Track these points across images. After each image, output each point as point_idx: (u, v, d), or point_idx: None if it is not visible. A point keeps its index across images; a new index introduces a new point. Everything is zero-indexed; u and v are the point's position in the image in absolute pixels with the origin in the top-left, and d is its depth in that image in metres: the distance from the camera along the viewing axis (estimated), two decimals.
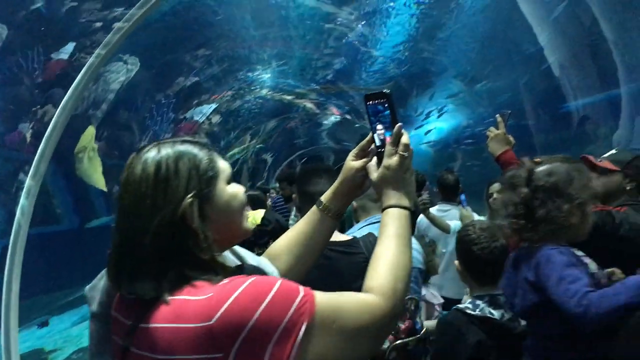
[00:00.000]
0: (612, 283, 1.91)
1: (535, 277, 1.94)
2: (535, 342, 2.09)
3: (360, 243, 2.23)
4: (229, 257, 1.43)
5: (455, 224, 4.80)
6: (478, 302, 2.35)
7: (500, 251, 2.34)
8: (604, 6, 6.72)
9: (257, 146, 17.09)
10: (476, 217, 4.80)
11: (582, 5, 6.87)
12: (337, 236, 2.23)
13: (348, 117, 15.64)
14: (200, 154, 1.25)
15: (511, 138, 3.02)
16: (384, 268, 1.28)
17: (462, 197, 5.42)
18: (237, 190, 1.31)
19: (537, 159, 2.15)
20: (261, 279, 1.14)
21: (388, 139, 1.41)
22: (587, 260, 1.98)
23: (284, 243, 1.58)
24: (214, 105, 11.86)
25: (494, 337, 2.24)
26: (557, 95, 8.04)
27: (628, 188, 2.99)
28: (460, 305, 2.41)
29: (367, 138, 1.48)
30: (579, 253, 1.99)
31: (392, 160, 1.39)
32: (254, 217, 5.43)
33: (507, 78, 8.98)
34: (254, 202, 7.03)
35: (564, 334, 1.93)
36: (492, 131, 3.02)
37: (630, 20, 6.55)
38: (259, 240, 3.60)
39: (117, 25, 2.74)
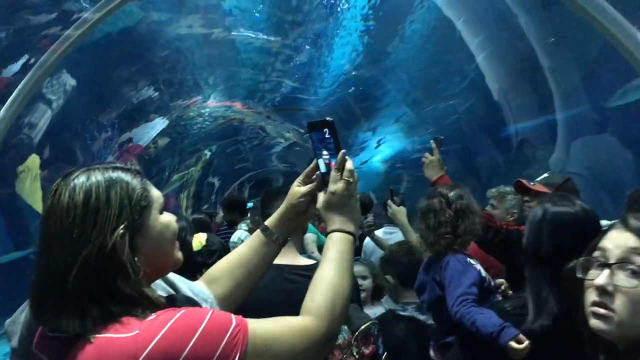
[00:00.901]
0: (500, 292, 2.70)
1: (440, 277, 2.62)
2: (437, 328, 2.77)
3: None
4: (159, 286, 1.38)
5: None
6: (407, 307, 3.09)
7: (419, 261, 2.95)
8: (539, 35, 7.02)
9: (204, 169, 16.84)
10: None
11: (517, 31, 7.15)
12: (300, 260, 2.37)
13: (297, 140, 15.67)
14: (134, 182, 1.20)
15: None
16: (322, 290, 1.29)
17: None
18: (169, 219, 1.26)
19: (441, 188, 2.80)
20: (191, 312, 1.09)
21: (333, 165, 1.43)
22: (478, 266, 2.64)
23: (224, 266, 1.55)
24: (160, 127, 11.64)
25: (416, 335, 2.92)
26: (498, 120, 8.29)
27: None
28: (392, 307, 3.17)
29: (312, 165, 1.51)
30: (472, 261, 2.65)
31: (337, 186, 1.41)
32: (200, 239, 5.34)
33: (450, 102, 9.21)
34: (200, 225, 6.90)
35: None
36: (427, 157, 3.27)
37: (563, 49, 6.87)
38: (208, 260, 3.56)
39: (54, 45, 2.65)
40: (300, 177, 1.54)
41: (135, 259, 1.14)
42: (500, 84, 8.01)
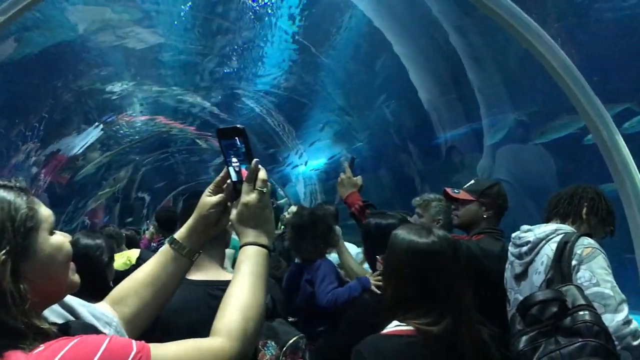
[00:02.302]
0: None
1: (311, 277, 3.28)
2: (306, 321, 3.29)
3: None
4: (56, 312, 1.24)
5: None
6: None
7: None
8: (466, 47, 7.21)
9: (133, 182, 16.29)
10: (354, 249, 4.79)
11: (442, 38, 7.32)
12: (224, 275, 2.26)
13: None
14: (17, 200, 1.07)
15: (359, 180, 3.40)
16: (234, 308, 1.23)
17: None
18: (61, 240, 1.14)
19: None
20: (85, 341, 0.99)
21: (244, 172, 1.39)
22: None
23: (130, 285, 1.44)
24: (90, 140, 11.19)
25: None
26: (428, 129, 8.44)
27: (485, 216, 3.11)
28: None
29: (222, 173, 1.45)
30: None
31: (250, 197, 1.36)
32: (129, 256, 5.11)
33: (381, 112, 9.29)
34: (129, 241, 6.63)
35: (325, 314, 3.15)
36: (341, 176, 3.40)
37: (488, 59, 7.09)
38: None
39: None
40: (211, 187, 1.47)
41: (21, 286, 1.01)
42: (429, 94, 8.16)
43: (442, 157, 8.42)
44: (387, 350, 1.73)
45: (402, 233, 1.93)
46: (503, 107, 6.99)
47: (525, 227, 2.64)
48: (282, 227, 6.99)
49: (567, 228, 2.52)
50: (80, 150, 11.22)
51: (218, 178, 1.47)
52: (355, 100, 9.89)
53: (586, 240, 2.37)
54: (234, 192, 1.42)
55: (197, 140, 14.92)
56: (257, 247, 1.34)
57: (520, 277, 2.58)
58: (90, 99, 9.96)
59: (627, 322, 2.11)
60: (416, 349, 1.73)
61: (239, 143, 1.39)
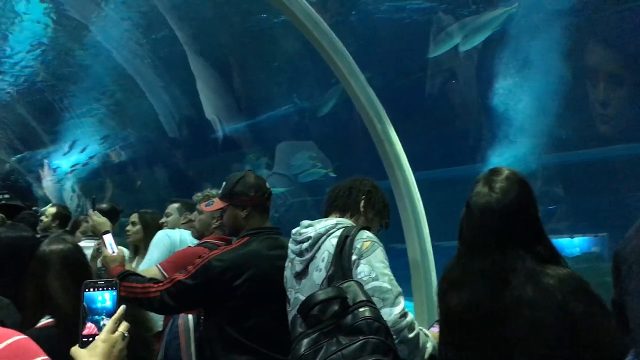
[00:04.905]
0: None
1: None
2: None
3: None
4: None
5: None
6: None
7: None
8: (236, 41, 7.16)
9: None
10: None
11: (221, 40, 7.20)
12: None
13: None
14: None
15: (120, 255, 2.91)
16: None
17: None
18: None
19: None
20: None
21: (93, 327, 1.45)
22: None
23: None
24: None
25: None
26: (205, 123, 8.22)
27: (244, 216, 2.82)
28: None
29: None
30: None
31: (112, 337, 1.43)
32: None
33: (156, 103, 8.79)
34: None
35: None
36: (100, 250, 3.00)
37: (252, 61, 7.15)
38: None
39: None
40: None
41: None
42: (207, 87, 7.92)
43: (219, 153, 8.26)
44: None
45: None
46: (281, 101, 7.07)
47: (305, 222, 2.48)
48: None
49: (347, 222, 2.42)
50: None
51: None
52: (125, 94, 9.19)
53: (365, 234, 2.29)
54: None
55: None
56: None
57: (301, 275, 2.42)
58: None
59: (403, 315, 2.09)
60: None
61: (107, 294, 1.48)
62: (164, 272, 2.92)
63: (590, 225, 7.57)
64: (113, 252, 2.75)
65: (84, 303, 1.46)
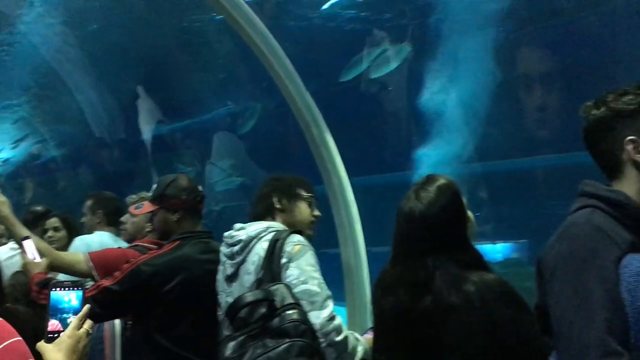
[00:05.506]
0: None
1: None
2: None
3: None
4: None
5: None
6: None
7: None
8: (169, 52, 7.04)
9: None
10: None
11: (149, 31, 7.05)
12: None
13: None
14: None
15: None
16: None
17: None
18: None
19: None
20: None
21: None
22: None
23: None
24: None
25: None
26: (132, 125, 7.98)
27: (176, 220, 2.74)
28: None
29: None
30: None
31: (78, 333, 1.50)
32: None
33: (83, 101, 8.46)
34: None
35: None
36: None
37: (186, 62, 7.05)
38: None
39: None
40: None
41: None
42: (137, 85, 7.71)
43: (148, 156, 8.03)
44: None
45: None
46: (214, 104, 7.02)
47: (238, 225, 2.46)
48: None
49: (278, 225, 2.41)
50: None
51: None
52: (45, 91, 8.77)
53: (296, 238, 2.30)
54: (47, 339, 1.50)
55: None
56: None
57: (232, 278, 2.39)
58: None
59: (331, 318, 2.10)
60: None
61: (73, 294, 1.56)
62: (91, 264, 2.74)
63: (513, 232, 7.91)
64: (34, 259, 2.60)
65: (51, 302, 1.55)
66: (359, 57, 7.46)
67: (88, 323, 1.55)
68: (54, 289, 1.57)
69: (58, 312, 1.56)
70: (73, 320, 1.53)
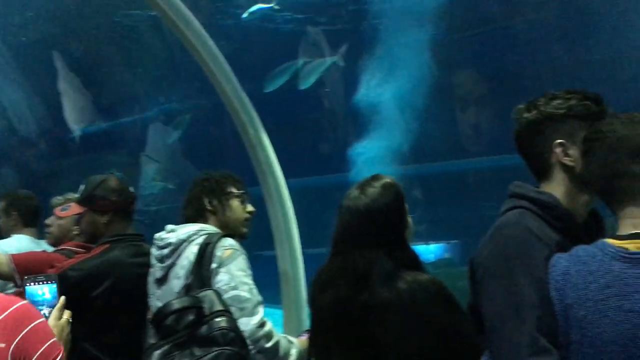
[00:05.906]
0: None
1: None
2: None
3: None
4: None
5: None
6: None
7: None
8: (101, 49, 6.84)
9: None
10: None
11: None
12: None
13: None
14: None
15: None
16: None
17: None
18: None
19: None
20: None
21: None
22: None
23: None
24: None
25: None
26: (63, 125, 7.65)
27: (105, 222, 2.64)
28: None
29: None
30: None
31: (59, 323, 1.64)
32: None
33: (5, 98, 8.03)
34: None
35: None
36: None
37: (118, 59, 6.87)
38: None
39: None
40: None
41: None
42: (66, 82, 7.40)
43: (75, 155, 7.73)
44: None
45: None
46: (146, 103, 6.85)
47: (169, 226, 2.40)
48: None
49: (210, 228, 2.36)
50: None
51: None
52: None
53: (227, 242, 2.26)
54: None
55: None
56: None
57: (161, 281, 2.34)
58: None
59: (261, 324, 2.09)
60: None
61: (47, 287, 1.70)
62: (13, 265, 2.56)
63: (445, 233, 8.14)
64: None
65: (26, 296, 1.65)
66: (281, 68, 7.43)
67: (67, 313, 1.69)
68: (28, 284, 1.69)
69: (35, 305, 1.57)
70: (53, 311, 1.65)
